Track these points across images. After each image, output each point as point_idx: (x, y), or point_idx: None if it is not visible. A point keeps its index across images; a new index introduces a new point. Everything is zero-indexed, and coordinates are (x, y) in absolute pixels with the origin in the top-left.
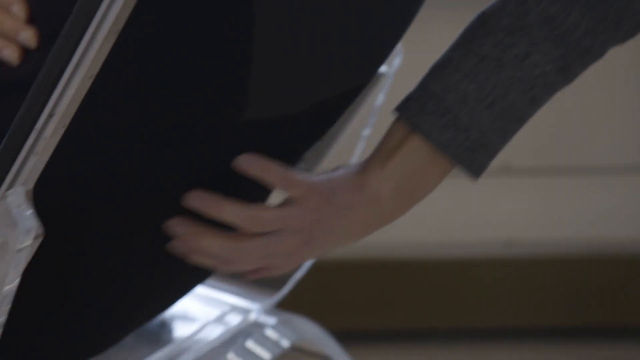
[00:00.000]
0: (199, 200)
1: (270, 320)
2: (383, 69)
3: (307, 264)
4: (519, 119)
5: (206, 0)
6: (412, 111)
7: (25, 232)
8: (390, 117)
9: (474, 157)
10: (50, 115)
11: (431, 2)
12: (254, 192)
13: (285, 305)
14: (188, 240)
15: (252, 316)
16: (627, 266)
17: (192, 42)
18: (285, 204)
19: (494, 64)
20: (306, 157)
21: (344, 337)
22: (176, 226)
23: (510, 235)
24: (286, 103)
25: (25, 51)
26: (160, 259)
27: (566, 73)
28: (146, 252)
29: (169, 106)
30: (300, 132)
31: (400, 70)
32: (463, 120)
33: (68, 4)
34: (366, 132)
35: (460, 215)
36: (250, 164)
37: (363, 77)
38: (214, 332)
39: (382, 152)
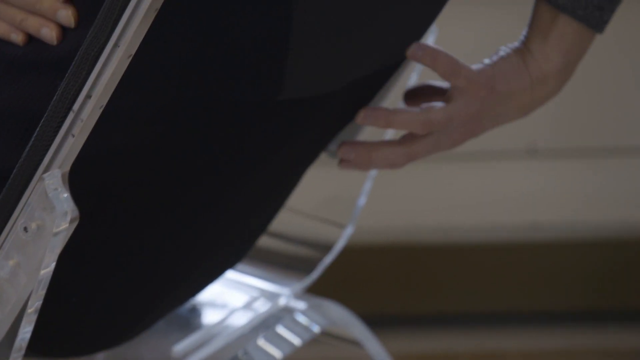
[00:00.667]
0: (369, 117)
1: (300, 305)
2: None
3: (337, 249)
4: None
5: None
6: None
7: (62, 216)
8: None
9: (601, 15)
10: (88, 97)
11: None
12: (285, 173)
13: (315, 290)
14: (361, 158)
15: (282, 301)
16: None
17: (230, 22)
18: (450, 98)
19: None
20: (338, 138)
21: (373, 321)
22: (346, 153)
23: (536, 218)
24: (322, 83)
25: (64, 30)
26: (192, 242)
27: None
28: (178, 236)
29: (206, 85)
30: (335, 111)
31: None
32: None
33: None
34: None
35: (486, 198)
36: (423, 51)
37: (396, 56)
38: (244, 318)
39: (538, 33)
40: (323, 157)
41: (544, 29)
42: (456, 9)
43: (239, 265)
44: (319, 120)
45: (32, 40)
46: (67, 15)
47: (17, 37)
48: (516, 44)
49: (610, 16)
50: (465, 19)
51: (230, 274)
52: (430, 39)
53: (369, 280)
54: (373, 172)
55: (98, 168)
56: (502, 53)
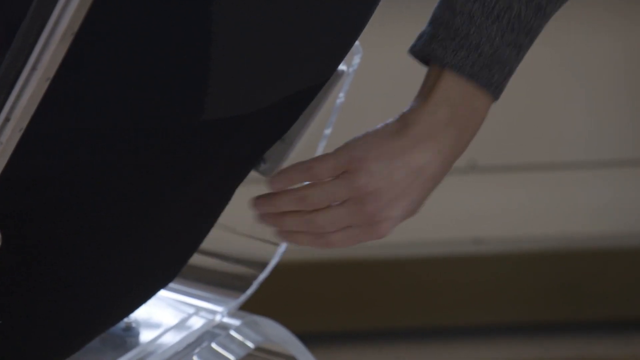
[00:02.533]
0: (261, 205)
1: (235, 322)
2: (342, 67)
3: (271, 266)
4: (529, 32)
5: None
6: (422, 42)
7: None
8: (350, 116)
9: (491, 74)
10: (7, 120)
11: (388, 1)
12: (215, 192)
13: (252, 309)
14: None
15: (217, 318)
16: (593, 261)
17: (149, 42)
18: (335, 178)
19: None
20: (267, 157)
21: (309, 338)
22: (257, 207)
23: (477, 233)
24: (245, 102)
25: None
26: (124, 261)
27: None
28: (105, 258)
29: (126, 108)
30: (260, 132)
31: (360, 68)
32: (473, 38)
33: (24, 7)
34: (327, 131)
35: (428, 214)
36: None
37: (321, 75)
38: (179, 335)
39: (421, 93)
40: (256, 174)
41: (429, 85)
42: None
43: (174, 284)
44: (245, 139)
45: None
46: None
47: None
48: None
49: (502, 79)
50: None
51: (165, 293)
52: (355, 59)
53: (308, 298)
54: None
55: (19, 192)
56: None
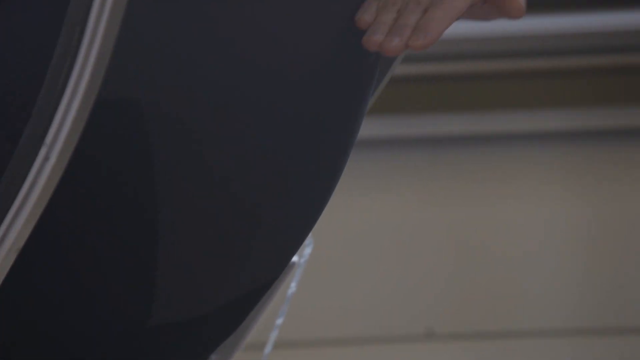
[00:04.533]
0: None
1: None
2: (294, 259)
3: None
4: None
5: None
6: None
7: None
8: (302, 307)
9: None
10: None
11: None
12: None
13: None
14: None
15: None
16: None
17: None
18: None
19: None
20: (219, 350)
21: None
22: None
23: None
24: (193, 305)
25: None
26: None
27: None
28: None
29: (71, 312)
30: (210, 332)
31: (311, 259)
32: None
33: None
34: (279, 320)
35: None
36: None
37: (273, 272)
38: None
39: None
40: None
41: None
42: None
43: None
44: (194, 342)
45: None
46: None
47: None
48: None
49: None
50: None
51: None
52: (307, 250)
53: None
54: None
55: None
56: None
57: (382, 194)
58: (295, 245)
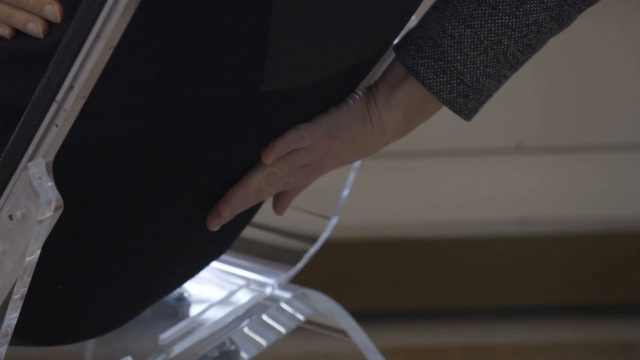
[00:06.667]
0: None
1: (286, 294)
2: (396, 42)
3: (321, 240)
4: (513, 65)
5: None
6: (410, 52)
7: (47, 204)
8: None
9: (466, 102)
10: (71, 87)
11: None
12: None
13: (303, 284)
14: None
15: (268, 291)
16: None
17: (209, 14)
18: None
19: (490, 11)
20: None
21: (361, 315)
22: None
23: (524, 214)
24: (301, 75)
25: (50, 25)
26: (182, 230)
27: (560, 20)
28: (164, 223)
29: (186, 78)
30: (316, 103)
31: None
32: (457, 65)
33: None
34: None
35: (474, 194)
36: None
37: (375, 50)
38: (230, 307)
39: (385, 88)
40: None
41: (393, 84)
42: None
43: (226, 256)
44: (301, 112)
45: (18, 35)
46: (53, 11)
47: (5, 31)
48: (365, 90)
49: (477, 105)
50: None
51: (216, 264)
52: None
53: (357, 275)
54: (357, 164)
55: (82, 160)
56: (350, 99)
57: None
58: (398, 25)
